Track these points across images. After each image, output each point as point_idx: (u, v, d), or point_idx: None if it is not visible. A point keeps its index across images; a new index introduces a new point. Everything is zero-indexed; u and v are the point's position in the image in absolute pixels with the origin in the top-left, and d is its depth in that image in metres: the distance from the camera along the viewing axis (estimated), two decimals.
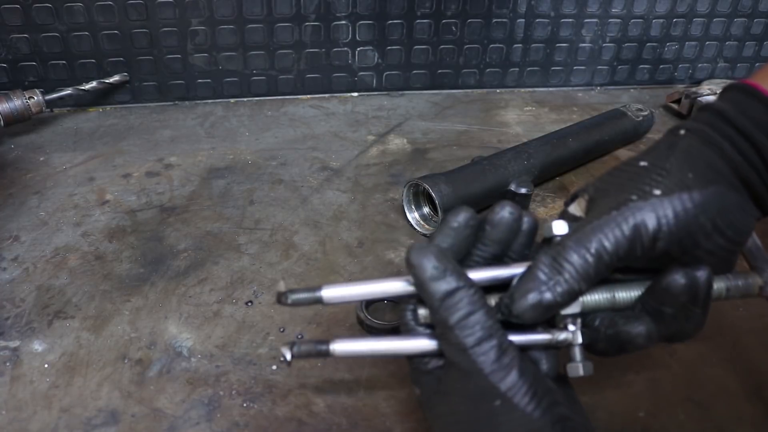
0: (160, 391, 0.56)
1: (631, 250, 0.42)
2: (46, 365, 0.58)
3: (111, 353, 0.60)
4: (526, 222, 0.46)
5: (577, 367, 0.44)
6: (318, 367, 0.59)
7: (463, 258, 0.46)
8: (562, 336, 0.44)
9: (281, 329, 0.63)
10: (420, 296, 0.44)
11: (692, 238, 0.43)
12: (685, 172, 0.44)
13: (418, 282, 0.42)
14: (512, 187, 0.80)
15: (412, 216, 0.79)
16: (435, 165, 0.93)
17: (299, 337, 0.62)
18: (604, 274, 0.43)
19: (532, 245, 0.48)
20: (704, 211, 0.43)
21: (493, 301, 0.44)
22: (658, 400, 0.57)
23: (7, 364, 0.58)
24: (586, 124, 0.94)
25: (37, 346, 0.60)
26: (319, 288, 0.44)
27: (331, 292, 0.44)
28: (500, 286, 0.45)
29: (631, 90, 1.24)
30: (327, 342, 0.44)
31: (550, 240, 0.45)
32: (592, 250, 0.41)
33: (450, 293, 0.41)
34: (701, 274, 0.44)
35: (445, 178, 0.75)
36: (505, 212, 0.45)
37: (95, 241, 0.75)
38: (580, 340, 0.44)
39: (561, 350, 0.46)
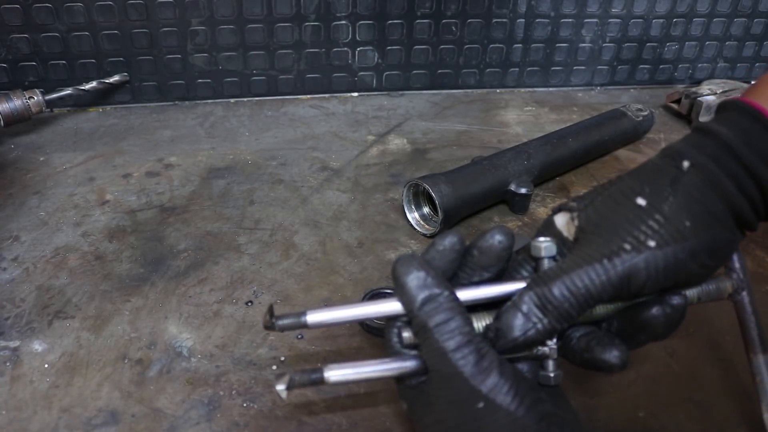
0: (160, 391, 0.56)
1: (616, 296, 0.43)
2: (46, 365, 0.58)
3: (111, 353, 0.60)
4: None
5: (549, 378, 0.45)
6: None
7: (448, 280, 0.47)
8: (540, 350, 0.45)
9: (281, 330, 0.63)
10: (402, 316, 0.45)
11: (677, 280, 0.44)
12: (683, 219, 0.43)
13: (400, 288, 0.44)
14: (512, 187, 0.80)
15: (412, 216, 0.79)
16: (435, 165, 0.93)
17: (299, 338, 0.62)
18: (586, 312, 0.44)
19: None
20: (694, 257, 0.43)
21: (476, 324, 0.46)
22: (658, 400, 0.57)
23: (7, 364, 0.58)
24: (586, 124, 0.94)
25: (37, 346, 0.60)
26: (304, 313, 0.46)
27: (315, 317, 0.46)
28: (484, 304, 0.46)
29: (631, 90, 1.24)
30: (321, 370, 0.45)
31: (536, 260, 0.47)
32: (579, 297, 0.42)
33: (430, 298, 0.43)
34: (677, 302, 0.45)
35: (445, 178, 0.75)
36: (494, 240, 0.46)
37: (95, 241, 0.75)
38: (556, 355, 0.45)
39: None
